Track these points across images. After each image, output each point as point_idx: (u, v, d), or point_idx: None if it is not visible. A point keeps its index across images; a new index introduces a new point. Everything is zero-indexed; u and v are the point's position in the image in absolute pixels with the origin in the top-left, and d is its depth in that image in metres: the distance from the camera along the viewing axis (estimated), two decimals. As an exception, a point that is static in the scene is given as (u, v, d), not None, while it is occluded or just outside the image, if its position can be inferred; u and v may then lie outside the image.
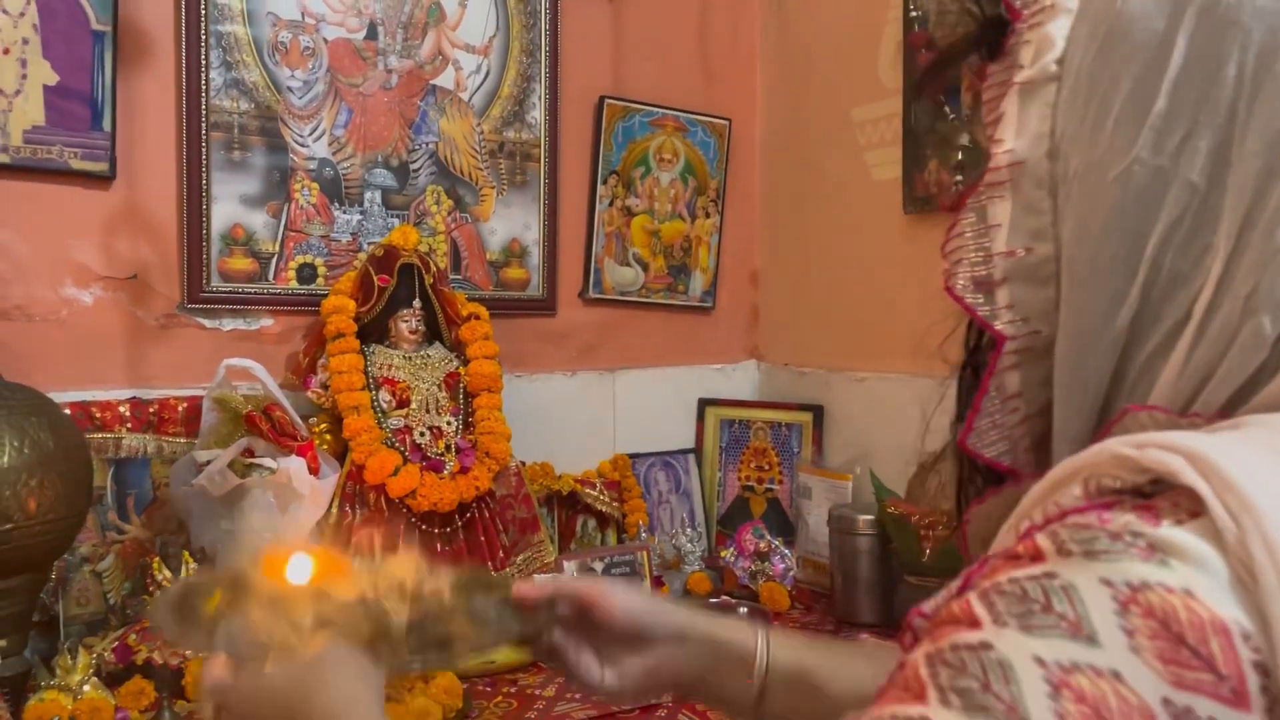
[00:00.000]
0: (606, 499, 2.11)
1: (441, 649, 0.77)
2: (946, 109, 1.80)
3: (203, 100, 1.78)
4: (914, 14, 1.89)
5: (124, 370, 1.75)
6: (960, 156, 1.77)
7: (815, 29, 2.26)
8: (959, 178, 1.76)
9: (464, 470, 1.76)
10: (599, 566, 1.88)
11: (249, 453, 1.64)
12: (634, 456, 2.22)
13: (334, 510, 1.69)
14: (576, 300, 2.22)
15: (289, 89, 1.87)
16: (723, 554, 2.05)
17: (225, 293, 1.82)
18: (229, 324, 1.85)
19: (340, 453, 1.76)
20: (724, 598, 1.94)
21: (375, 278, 1.80)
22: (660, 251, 2.30)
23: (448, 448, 1.79)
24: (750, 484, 2.28)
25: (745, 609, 1.78)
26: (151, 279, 1.77)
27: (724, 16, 2.40)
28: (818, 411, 2.21)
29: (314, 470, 1.62)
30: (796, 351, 2.33)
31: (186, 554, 1.60)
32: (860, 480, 2.03)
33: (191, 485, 1.61)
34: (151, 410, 1.72)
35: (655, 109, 2.26)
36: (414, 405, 1.80)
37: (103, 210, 1.72)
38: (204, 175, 1.79)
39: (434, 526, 1.74)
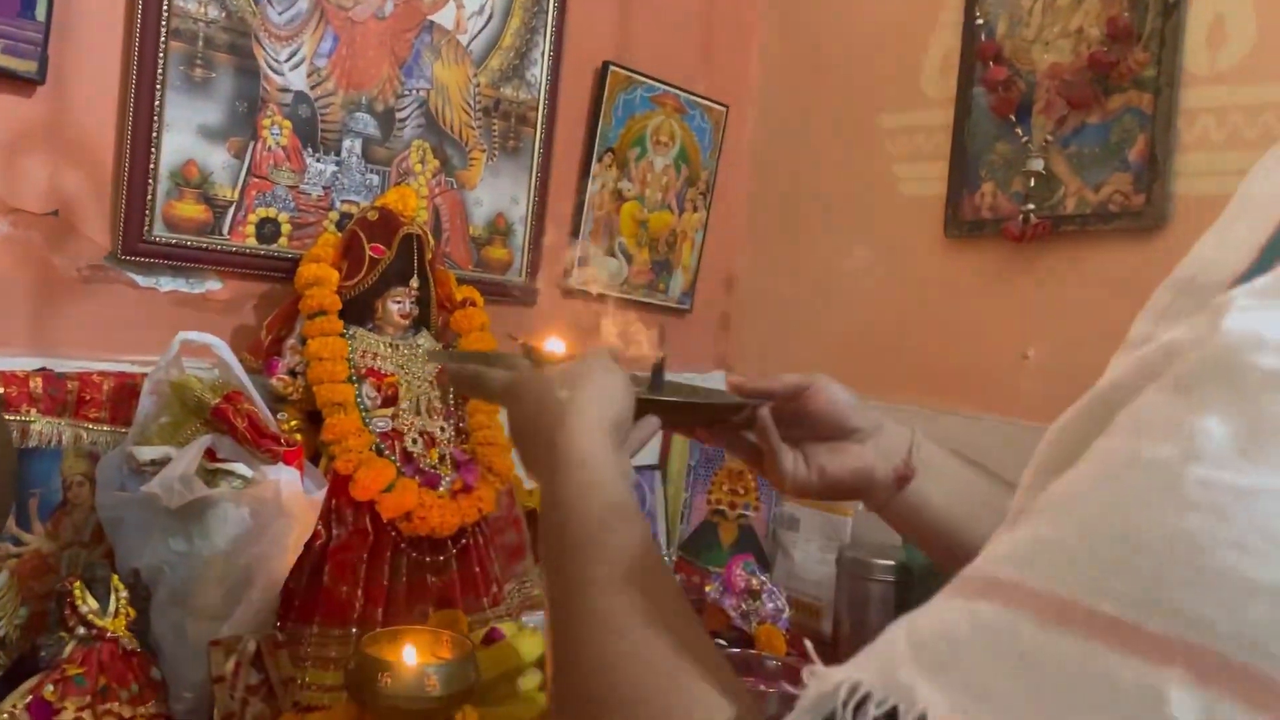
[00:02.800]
0: (578, 519, 1.86)
1: (676, 392, 0.97)
2: (1018, 130, 1.67)
3: (165, -2, 1.40)
4: (979, 21, 1.75)
5: (31, 334, 1.36)
6: (1031, 184, 1.64)
7: (834, 21, 2.08)
8: (1030, 206, 1.63)
9: (466, 489, 1.47)
10: (593, 603, 1.63)
11: (210, 454, 1.29)
12: (602, 470, 1.98)
13: (303, 528, 1.36)
14: (555, 290, 1.95)
15: (268, 0, 1.51)
16: (708, 589, 1.84)
17: (170, 245, 1.45)
18: (168, 284, 1.47)
19: (311, 457, 1.43)
20: (716, 640, 1.74)
21: (367, 247, 1.48)
22: (646, 244, 2.06)
23: (442, 459, 1.49)
24: (721, 508, 2.09)
25: (774, 661, 1.58)
26: (77, 219, 1.38)
27: (730, -11, 2.19)
28: (805, 436, 2.04)
29: (300, 483, 1.29)
30: (776, 367, 2.14)
31: (116, 578, 1.24)
32: (862, 516, 1.88)
33: (132, 491, 1.25)
34: (69, 388, 1.33)
35: (658, 84, 2.02)
36: (403, 404, 1.49)
37: (22, 123, 1.32)
38: (157, 94, 1.41)
39: (424, 554, 1.44)
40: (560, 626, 0.64)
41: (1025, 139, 1.66)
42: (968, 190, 1.75)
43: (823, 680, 0.40)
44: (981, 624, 0.36)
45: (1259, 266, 0.43)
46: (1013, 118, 1.67)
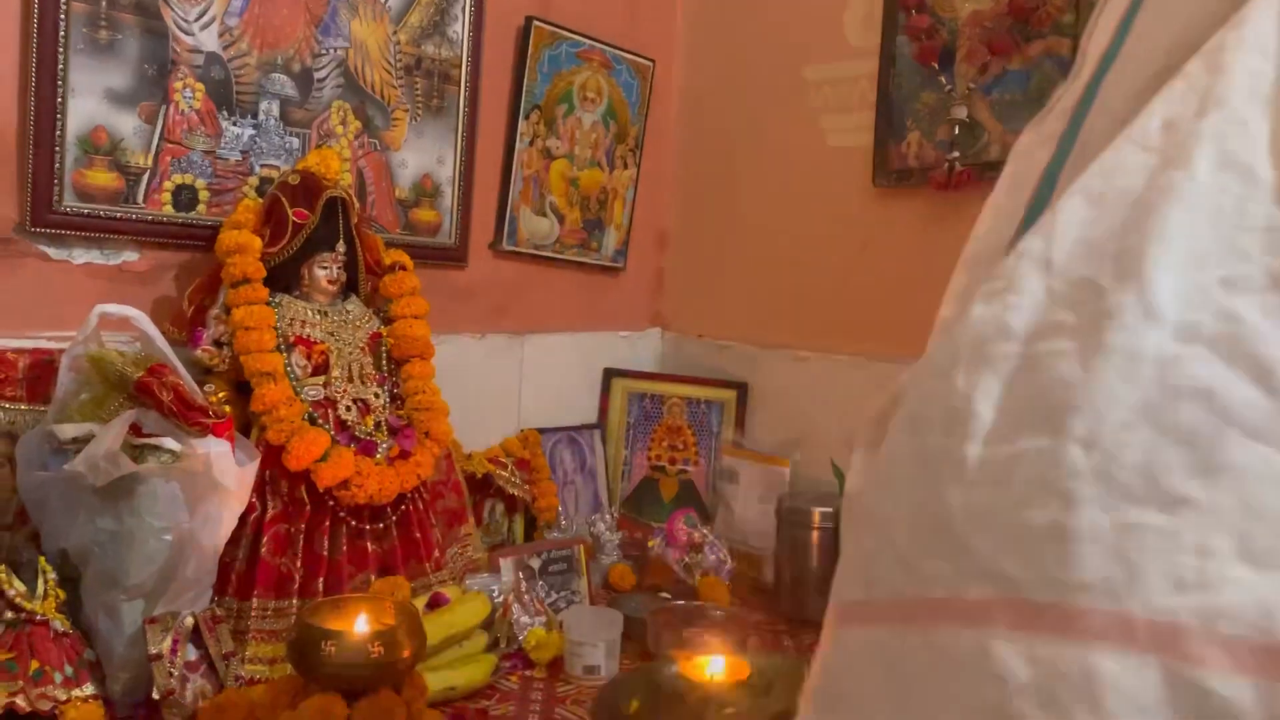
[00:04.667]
0: (518, 481, 1.86)
1: None
2: (941, 79, 1.68)
3: (63, -44, 1.34)
4: (901, -30, 1.75)
5: (-61, 310, 1.30)
6: (956, 132, 1.65)
7: (758, -27, 2.07)
8: (954, 154, 1.64)
9: (403, 455, 1.45)
10: (536, 564, 1.64)
11: (136, 430, 1.26)
12: (540, 432, 1.97)
13: (237, 501, 1.34)
14: (487, 252, 1.92)
15: (174, -43, 1.45)
16: (651, 544, 1.85)
17: (82, 215, 1.40)
18: (81, 256, 1.42)
19: (242, 429, 1.40)
20: (661, 594, 1.75)
21: (290, 211, 1.44)
22: (577, 202, 2.04)
23: (378, 425, 1.47)
24: (661, 464, 2.10)
25: (719, 611, 1.59)
26: (-20, 190, 1.32)
27: (652, -58, 2.16)
28: (742, 389, 2.05)
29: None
30: (711, 322, 2.16)
31: (43, 561, 1.21)
32: (800, 466, 1.90)
33: (55, 470, 1.21)
34: (-17, 366, 1.29)
35: (583, 39, 1.99)
36: (335, 372, 1.46)
37: (-85, 90, 1.26)
38: (60, 58, 1.35)
39: (363, 522, 1.42)
40: None
41: (949, 87, 1.67)
42: (894, 140, 1.76)
43: None
44: (848, 651, 0.40)
45: (1023, 231, 0.48)
46: (936, 66, 1.68)
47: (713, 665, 1.10)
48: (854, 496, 0.47)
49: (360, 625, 1.10)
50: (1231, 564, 0.33)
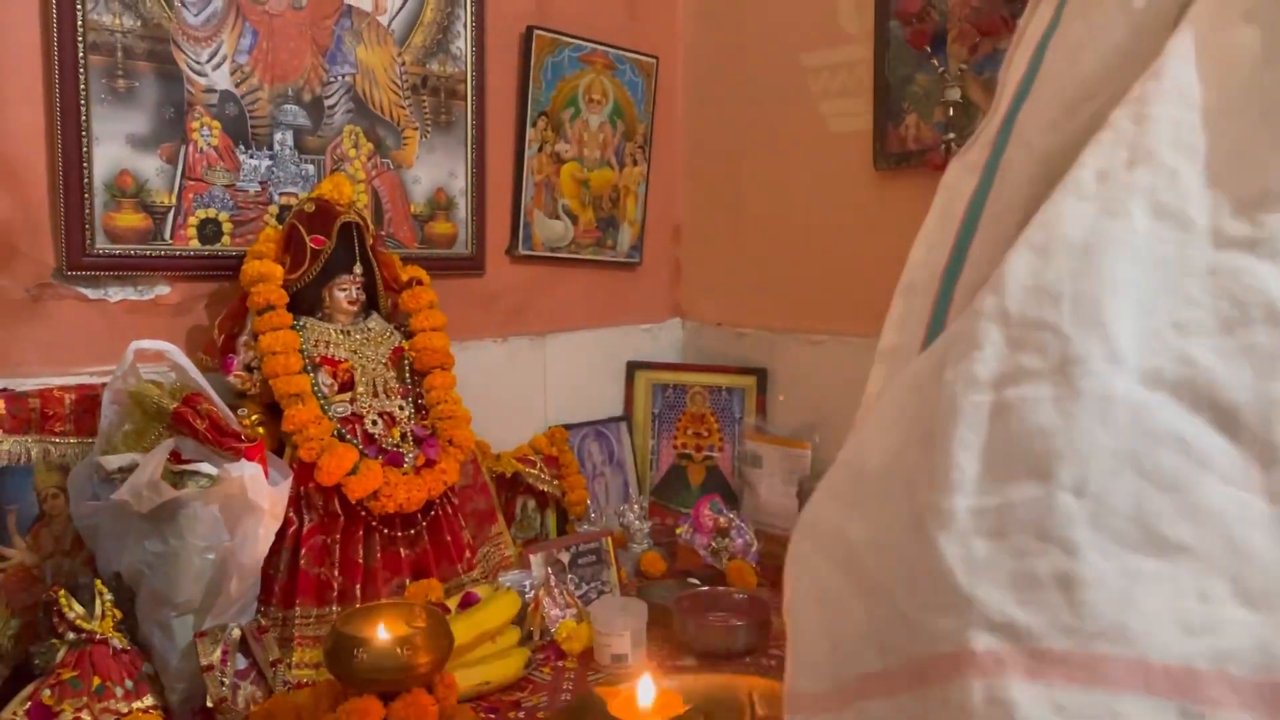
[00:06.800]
0: (547, 477, 1.92)
1: None
2: (934, 61, 1.70)
3: (78, 14, 1.41)
4: (889, -43, 1.77)
5: (-12, 356, 1.40)
6: (950, 113, 1.67)
7: (753, -37, 2.09)
8: (950, 136, 1.67)
9: (429, 463, 1.52)
10: (565, 558, 1.70)
11: (175, 457, 1.34)
12: (567, 428, 2.04)
13: (275, 517, 1.42)
14: (504, 258, 1.99)
15: (182, 4, 1.52)
16: (679, 531, 1.91)
17: (114, 255, 1.48)
18: (117, 294, 1.51)
19: (276, 448, 1.48)
20: (689, 580, 1.81)
21: (307, 239, 1.51)
22: (589, 203, 2.10)
23: (404, 437, 1.55)
24: (687, 452, 2.15)
25: (741, 595, 1.65)
26: (17, 240, 1.41)
27: (648, -58, 2.19)
28: (761, 375, 2.10)
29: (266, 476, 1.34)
30: (729, 310, 2.21)
31: (99, 583, 1.30)
32: (820, 448, 1.94)
33: (104, 500, 1.30)
34: (31, 405, 1.38)
35: (585, 43, 2.03)
36: (360, 388, 1.54)
37: (-49, 152, 1.35)
38: (82, 109, 1.43)
39: (395, 530, 1.50)
40: None
41: (942, 69, 1.69)
42: (892, 123, 1.79)
43: None
44: None
45: (954, 260, 0.49)
46: (928, 49, 1.70)
47: (642, 695, 1.10)
48: (847, 563, 0.45)
49: (389, 631, 1.17)
50: (1230, 606, 0.34)
